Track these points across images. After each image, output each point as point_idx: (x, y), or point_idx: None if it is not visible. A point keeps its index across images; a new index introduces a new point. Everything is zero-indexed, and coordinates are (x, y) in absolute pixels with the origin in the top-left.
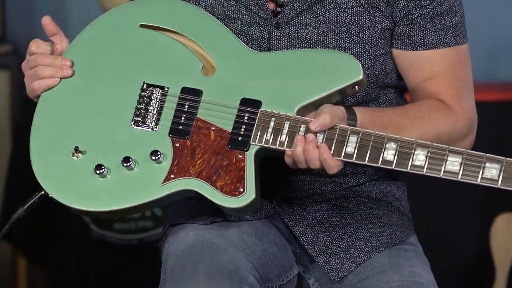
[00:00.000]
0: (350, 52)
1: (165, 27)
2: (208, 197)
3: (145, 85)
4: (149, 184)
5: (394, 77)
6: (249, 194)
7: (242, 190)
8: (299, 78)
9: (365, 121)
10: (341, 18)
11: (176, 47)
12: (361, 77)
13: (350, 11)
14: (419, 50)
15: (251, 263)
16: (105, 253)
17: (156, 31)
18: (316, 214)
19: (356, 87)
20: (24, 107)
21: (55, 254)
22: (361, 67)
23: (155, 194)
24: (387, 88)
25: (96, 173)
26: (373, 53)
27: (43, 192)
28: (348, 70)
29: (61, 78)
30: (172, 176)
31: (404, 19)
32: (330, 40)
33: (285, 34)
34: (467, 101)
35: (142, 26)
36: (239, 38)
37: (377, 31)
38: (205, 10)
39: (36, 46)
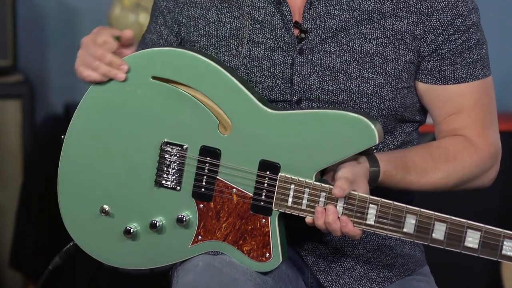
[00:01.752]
0: (372, 82)
1: (178, 81)
2: (237, 260)
3: (164, 143)
4: (178, 247)
5: (412, 111)
6: (275, 259)
7: (268, 255)
8: (315, 142)
9: (388, 169)
10: (365, 48)
11: (191, 103)
12: (377, 142)
13: (375, 42)
14: (449, 84)
15: None
16: (116, 282)
17: (169, 84)
18: (328, 244)
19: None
20: (35, 136)
21: (66, 283)
22: (376, 133)
23: (184, 256)
24: (405, 122)
25: (126, 236)
26: (395, 85)
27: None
28: (364, 136)
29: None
30: (200, 237)
31: (434, 54)
32: (353, 70)
33: (308, 61)
34: (492, 133)
35: (154, 78)
36: (263, 62)
37: (400, 63)
38: (231, 32)
39: (104, 41)
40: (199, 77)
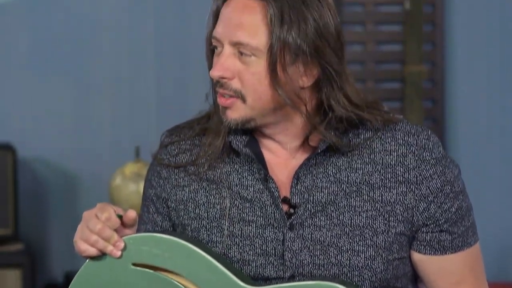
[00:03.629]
0: (363, 255)
1: (158, 266)
2: None
3: None
4: None
5: (404, 281)
6: None
7: None
8: None
9: None
10: (355, 221)
11: (172, 286)
12: None
13: (365, 214)
14: (448, 254)
15: None
16: None
17: (149, 270)
18: None
19: None
20: None
21: None
22: None
23: None
24: None
25: None
26: (386, 257)
27: None
28: None
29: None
30: None
31: (432, 225)
32: (344, 243)
33: (298, 236)
34: None
35: (134, 265)
36: (255, 241)
37: (391, 235)
38: (221, 213)
39: (106, 217)
40: (177, 261)
